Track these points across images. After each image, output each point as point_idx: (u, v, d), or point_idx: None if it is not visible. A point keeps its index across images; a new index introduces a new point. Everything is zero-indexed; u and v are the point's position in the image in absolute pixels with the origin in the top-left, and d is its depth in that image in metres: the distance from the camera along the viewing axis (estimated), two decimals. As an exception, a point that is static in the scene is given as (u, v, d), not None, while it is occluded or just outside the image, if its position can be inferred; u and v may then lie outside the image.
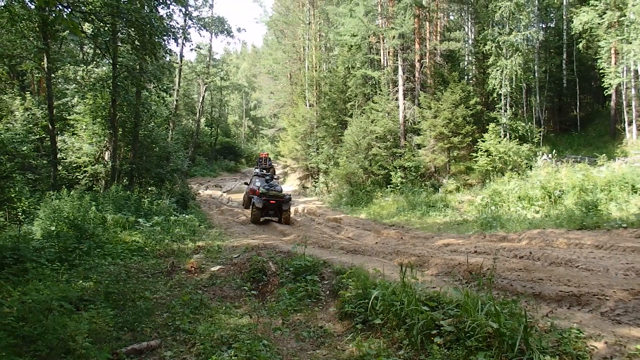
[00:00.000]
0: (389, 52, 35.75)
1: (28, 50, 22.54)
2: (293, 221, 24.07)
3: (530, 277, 8.31)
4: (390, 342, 6.21)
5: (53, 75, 22.91)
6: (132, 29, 18.07)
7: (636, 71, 29.08)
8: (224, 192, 45.39)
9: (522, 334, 4.96)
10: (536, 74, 35.41)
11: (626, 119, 30.15)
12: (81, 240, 11.76)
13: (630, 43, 27.42)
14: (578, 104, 37.87)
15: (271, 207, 23.50)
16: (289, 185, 49.52)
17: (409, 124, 32.43)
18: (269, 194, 23.62)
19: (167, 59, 30.61)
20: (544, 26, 41.14)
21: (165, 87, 25.34)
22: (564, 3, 37.43)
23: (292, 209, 25.80)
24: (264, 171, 30.84)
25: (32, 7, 17.36)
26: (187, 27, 37.94)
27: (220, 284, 9.90)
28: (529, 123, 32.56)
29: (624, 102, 30.24)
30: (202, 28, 43.78)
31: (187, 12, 35.73)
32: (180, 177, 33.00)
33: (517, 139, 28.84)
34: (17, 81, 29.56)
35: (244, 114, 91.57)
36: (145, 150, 25.62)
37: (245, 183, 32.10)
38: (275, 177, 29.55)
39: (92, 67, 23.80)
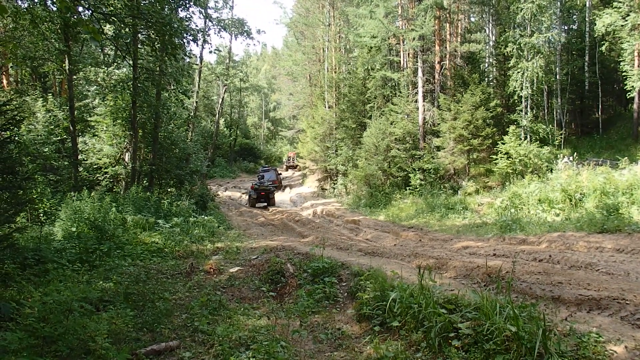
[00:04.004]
0: (408, 54, 35.68)
1: (50, 52, 22.82)
2: (304, 220, 26.28)
3: (550, 281, 8.24)
4: (408, 344, 6.20)
5: (74, 77, 23.19)
6: (153, 31, 18.16)
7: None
8: (242, 193, 45.58)
9: (541, 338, 4.92)
10: (558, 76, 35.06)
11: (649, 122, 29.85)
12: (101, 241, 11.87)
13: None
14: (600, 106, 37.41)
15: (262, 196, 36.39)
16: (308, 187, 49.58)
17: (429, 125, 32.31)
18: (260, 188, 36.78)
19: (187, 60, 30.77)
20: (566, 28, 40.79)
21: (184, 89, 25.49)
22: (587, 5, 37.02)
23: (310, 210, 31.81)
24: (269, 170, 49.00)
25: (54, 9, 17.54)
26: (207, 29, 38.21)
27: (238, 285, 9.94)
28: (550, 125, 32.31)
29: (647, 105, 29.93)
30: (222, 30, 44.06)
31: (207, 14, 35.92)
32: (200, 179, 33.28)
33: (538, 142, 28.59)
34: (39, 83, 29.96)
35: (263, 116, 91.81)
36: (165, 152, 25.79)
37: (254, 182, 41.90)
38: (279, 174, 50.98)
39: (113, 69, 24.01)
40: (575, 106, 39.30)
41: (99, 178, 23.24)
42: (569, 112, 38.15)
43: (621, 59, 30.89)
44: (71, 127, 21.29)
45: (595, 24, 31.00)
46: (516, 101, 31.36)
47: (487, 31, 39.22)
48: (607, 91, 40.03)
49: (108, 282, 8.99)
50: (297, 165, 63.89)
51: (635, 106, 31.88)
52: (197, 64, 42.69)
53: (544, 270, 9.00)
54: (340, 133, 41.41)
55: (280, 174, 53.33)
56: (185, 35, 20.22)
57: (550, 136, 30.51)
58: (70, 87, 21.59)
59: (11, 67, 28.06)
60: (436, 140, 30.45)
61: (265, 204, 36.46)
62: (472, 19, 45.26)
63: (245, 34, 49.92)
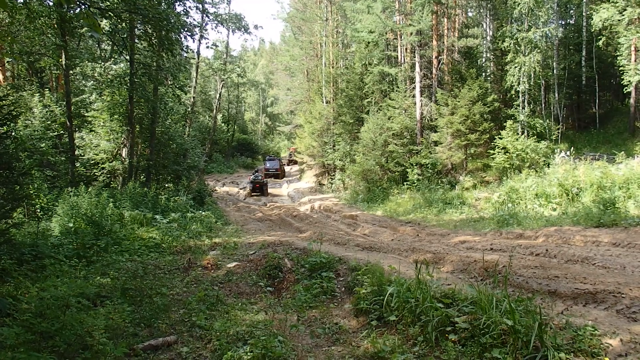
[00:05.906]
0: (406, 49, 35.60)
1: (46, 47, 22.75)
2: (302, 215, 26.64)
3: (546, 275, 8.27)
4: (405, 338, 6.22)
5: (71, 72, 23.10)
6: (149, 26, 18.14)
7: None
8: (240, 188, 45.64)
9: (537, 331, 4.95)
10: (555, 71, 35.05)
11: (645, 117, 29.83)
12: (99, 236, 11.86)
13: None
14: (597, 101, 37.46)
15: (257, 187, 41.88)
16: (305, 182, 49.59)
17: (426, 120, 32.28)
18: (255, 180, 42.23)
19: (184, 55, 30.72)
20: (563, 23, 40.78)
21: (181, 84, 25.46)
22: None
23: (308, 206, 32.20)
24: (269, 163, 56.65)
25: (51, 3, 17.51)
26: (204, 24, 38.18)
27: (236, 281, 9.96)
28: (547, 120, 32.28)
29: (644, 100, 29.92)
30: (219, 24, 44.14)
31: (204, 9, 35.86)
32: (197, 174, 33.26)
33: (535, 136, 28.60)
34: (35, 78, 29.86)
35: (260, 111, 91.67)
36: (162, 147, 25.78)
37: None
38: (282, 164, 59.54)
39: (110, 64, 23.98)
40: (573, 101, 39.30)
41: (96, 173, 23.22)
42: (566, 106, 38.15)
43: (618, 54, 30.88)
44: (68, 123, 21.24)
45: (593, 19, 30.97)
46: (513, 96, 31.32)
47: (485, 26, 39.13)
48: (604, 86, 40.08)
49: (105, 278, 9.00)
50: (296, 161, 64.25)
51: (632, 101, 31.89)
52: (194, 59, 42.66)
53: (541, 265, 9.03)
54: (338, 128, 41.40)
55: (284, 164, 63.35)
56: (182, 30, 20.20)
57: (547, 131, 30.49)
58: (67, 83, 21.53)
59: (8, 62, 27.97)
60: (434, 135, 30.41)
61: (260, 194, 41.87)
62: (470, 14, 45.18)
63: (242, 29, 50.01)
